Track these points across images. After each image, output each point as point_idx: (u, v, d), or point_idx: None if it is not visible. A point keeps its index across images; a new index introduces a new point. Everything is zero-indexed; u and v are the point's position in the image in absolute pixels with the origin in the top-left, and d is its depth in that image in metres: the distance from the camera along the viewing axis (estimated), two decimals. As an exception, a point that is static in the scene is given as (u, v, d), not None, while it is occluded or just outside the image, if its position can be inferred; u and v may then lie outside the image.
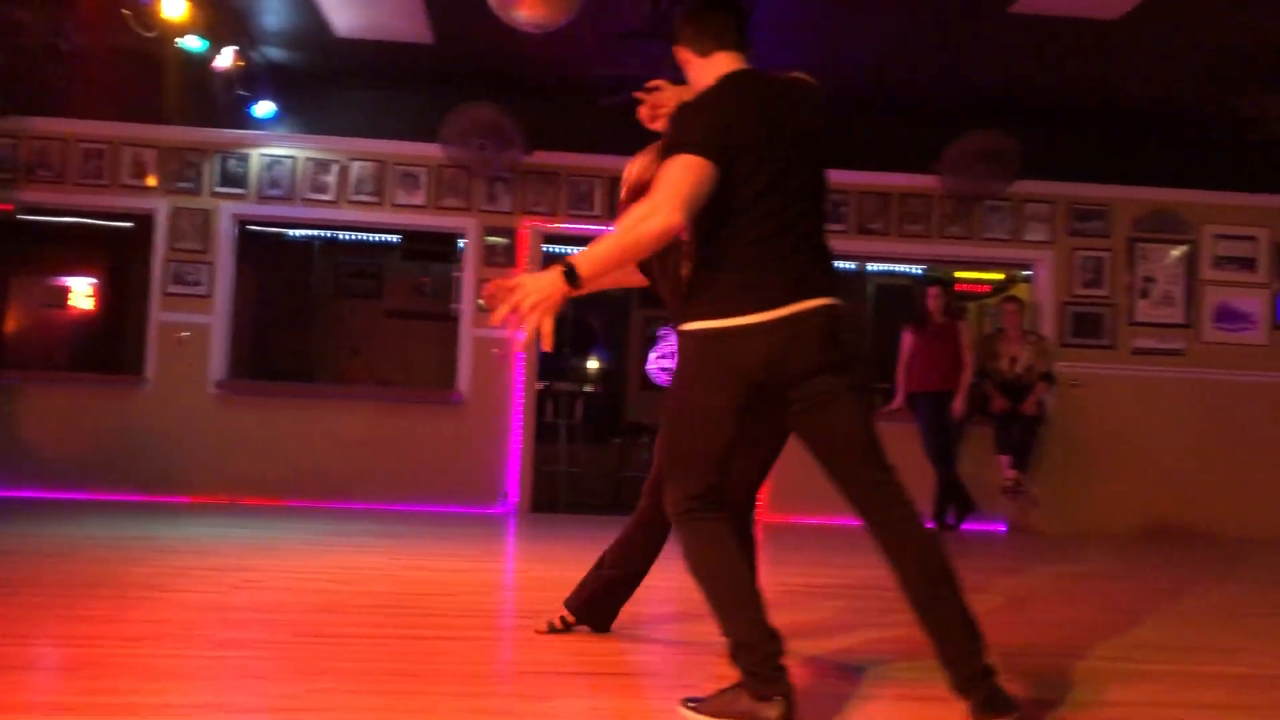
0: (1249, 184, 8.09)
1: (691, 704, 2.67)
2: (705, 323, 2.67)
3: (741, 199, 2.66)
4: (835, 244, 8.27)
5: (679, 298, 3.04)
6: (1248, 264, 8.17)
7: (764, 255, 2.68)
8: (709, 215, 2.66)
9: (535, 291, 2.56)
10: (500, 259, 7.66)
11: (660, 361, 10.06)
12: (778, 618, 3.50)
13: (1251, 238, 8.17)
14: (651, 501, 3.47)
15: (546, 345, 2.63)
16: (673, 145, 2.65)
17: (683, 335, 2.76)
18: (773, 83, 2.84)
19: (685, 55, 2.95)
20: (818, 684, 3.13)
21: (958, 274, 9.79)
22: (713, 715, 2.62)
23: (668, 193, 2.56)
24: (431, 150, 7.53)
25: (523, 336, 2.64)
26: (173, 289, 7.61)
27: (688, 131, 2.66)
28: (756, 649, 2.59)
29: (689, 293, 2.80)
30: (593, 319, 11.69)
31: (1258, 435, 8.01)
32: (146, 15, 6.06)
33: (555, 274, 2.56)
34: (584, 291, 2.62)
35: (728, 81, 2.79)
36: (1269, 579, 6.04)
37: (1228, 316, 8.15)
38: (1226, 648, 3.93)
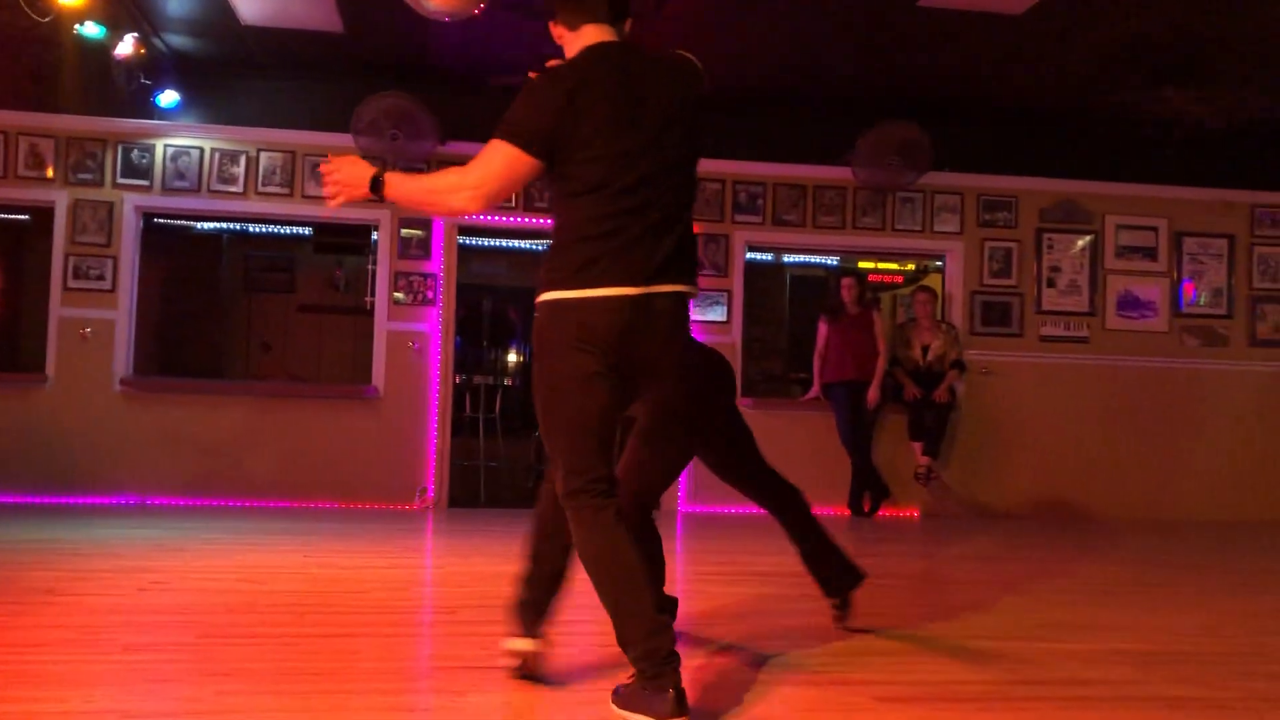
0: (1149, 175, 8.34)
1: (615, 696, 2.67)
2: (553, 293, 2.66)
3: (587, 178, 2.65)
4: (753, 235, 8.36)
5: None
6: (1149, 253, 8.42)
7: (612, 234, 2.64)
8: (558, 191, 2.71)
9: (343, 180, 2.81)
10: (415, 251, 7.56)
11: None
12: (694, 605, 3.52)
13: (1152, 228, 8.42)
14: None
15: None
16: (499, 124, 2.66)
17: (536, 307, 2.72)
18: (636, 58, 2.78)
19: (558, 30, 2.89)
20: (728, 670, 3.15)
21: (864, 264, 9.93)
22: (619, 707, 2.63)
23: (478, 178, 2.66)
24: (343, 140, 7.38)
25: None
26: (74, 284, 7.37)
27: (513, 114, 2.66)
28: (643, 643, 2.57)
29: (543, 265, 2.76)
30: (512, 312, 11.61)
31: (1159, 419, 8.27)
32: (41, 0, 5.85)
33: (366, 175, 2.78)
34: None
35: (583, 57, 2.75)
36: (1171, 557, 6.25)
37: (1130, 305, 8.40)
38: (1131, 625, 4.05)
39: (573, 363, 2.63)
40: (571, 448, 2.68)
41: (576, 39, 2.83)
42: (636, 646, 2.58)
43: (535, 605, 2.97)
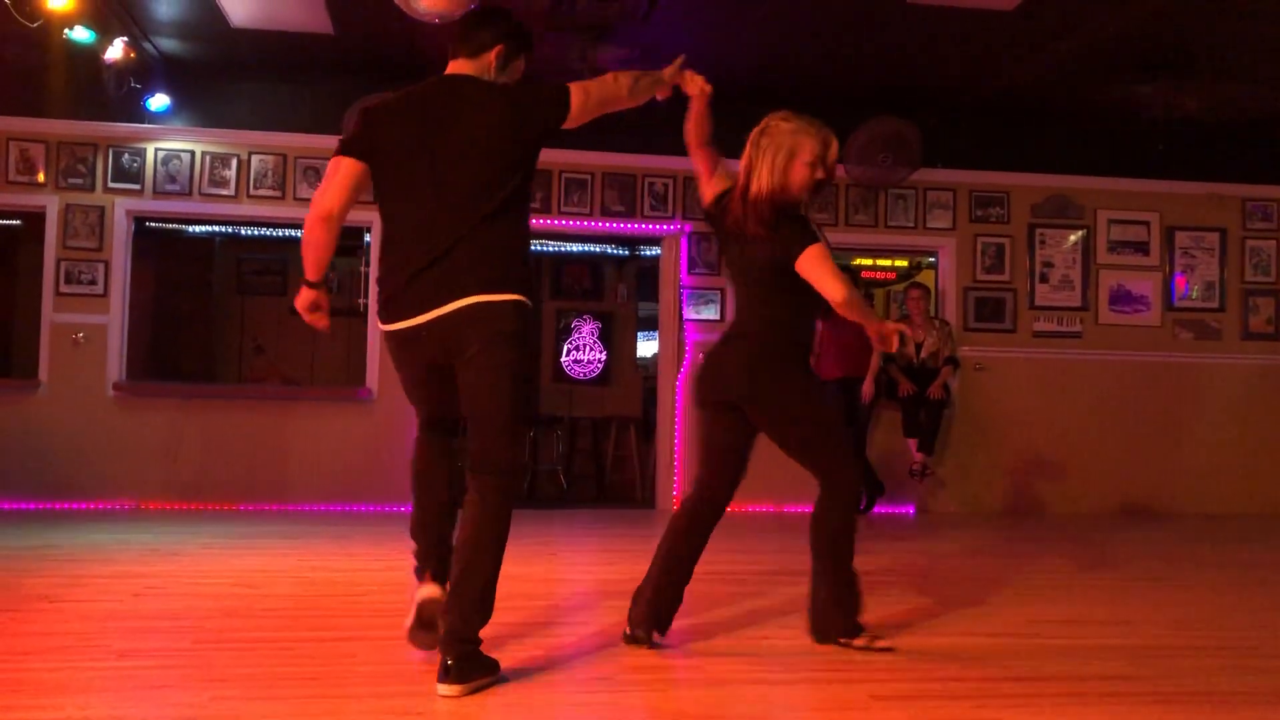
0: (1141, 170, 8.35)
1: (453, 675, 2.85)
2: (525, 297, 3.07)
3: (382, 204, 3.13)
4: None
5: None
6: (1141, 248, 8.44)
7: (390, 264, 3.10)
8: (522, 198, 3.14)
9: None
10: (408, 253, 7.54)
11: (573, 354, 10.04)
12: (689, 604, 3.53)
13: (1144, 222, 8.44)
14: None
15: None
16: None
17: (514, 305, 3.04)
18: (447, 88, 3.10)
19: None
20: (724, 669, 3.15)
21: (858, 261, 9.94)
22: (464, 680, 2.84)
23: (321, 188, 3.08)
24: (334, 143, 7.33)
25: None
26: (66, 289, 7.36)
27: (344, 129, 2.97)
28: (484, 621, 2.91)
29: (506, 266, 3.07)
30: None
31: (1152, 413, 8.29)
32: (30, 4, 5.82)
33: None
34: None
35: (414, 85, 3.13)
36: (1163, 551, 6.26)
37: (1123, 299, 8.42)
38: (1125, 620, 4.06)
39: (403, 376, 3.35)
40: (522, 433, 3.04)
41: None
42: (483, 622, 2.89)
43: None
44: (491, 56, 3.18)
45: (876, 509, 7.77)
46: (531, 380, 3.24)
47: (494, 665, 2.93)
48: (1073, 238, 8.38)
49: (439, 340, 3.03)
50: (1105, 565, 5.58)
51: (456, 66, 3.18)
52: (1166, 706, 2.86)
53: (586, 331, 10.07)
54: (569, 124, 3.18)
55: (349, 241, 8.17)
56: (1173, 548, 6.42)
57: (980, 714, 2.74)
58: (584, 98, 3.18)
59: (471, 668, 2.84)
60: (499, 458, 3.01)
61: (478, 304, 2.95)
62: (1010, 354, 8.23)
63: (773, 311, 3.45)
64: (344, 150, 3.13)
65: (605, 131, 7.52)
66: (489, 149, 3.01)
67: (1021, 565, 5.51)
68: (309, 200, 7.50)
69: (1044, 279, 8.33)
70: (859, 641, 3.38)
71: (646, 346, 10.50)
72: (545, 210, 7.79)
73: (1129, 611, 4.25)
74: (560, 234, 8.40)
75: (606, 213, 7.91)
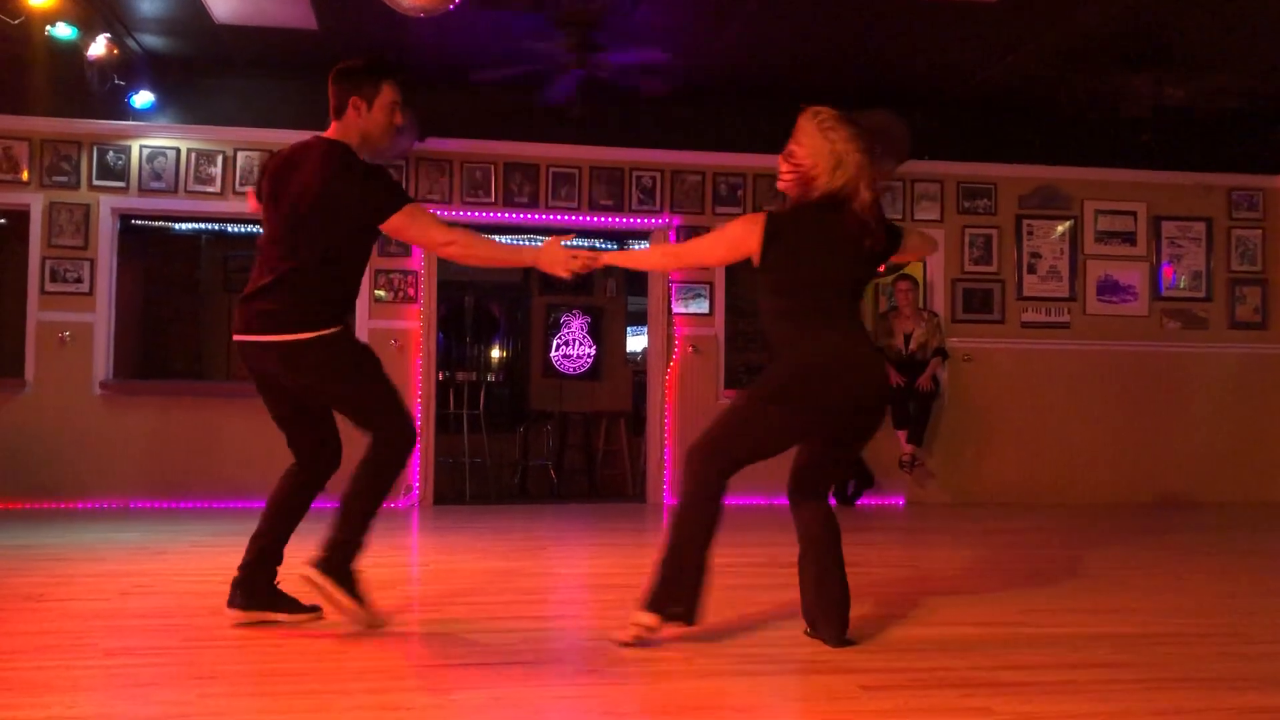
0: (1127, 160, 8.36)
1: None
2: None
3: None
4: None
5: None
6: (1128, 238, 8.46)
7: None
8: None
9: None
10: (395, 249, 7.52)
11: (563, 349, 10.04)
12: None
13: (1131, 212, 8.46)
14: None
15: None
16: None
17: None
18: (305, 146, 3.54)
19: None
20: (713, 660, 3.15)
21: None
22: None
23: None
24: (320, 139, 7.34)
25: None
26: (51, 287, 7.32)
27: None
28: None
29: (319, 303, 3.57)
30: (494, 307, 11.59)
31: (1140, 403, 8.31)
32: (11, 1, 5.79)
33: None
34: None
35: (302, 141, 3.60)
36: (1150, 540, 6.28)
37: (1110, 289, 8.44)
38: (1114, 608, 4.08)
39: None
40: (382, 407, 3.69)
41: None
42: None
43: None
44: (350, 111, 3.55)
45: (865, 500, 7.79)
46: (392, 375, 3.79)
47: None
48: (1060, 228, 8.40)
49: (251, 362, 3.61)
50: (1094, 554, 5.59)
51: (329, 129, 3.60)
52: (1155, 693, 2.87)
53: (576, 326, 10.07)
54: (390, 232, 3.58)
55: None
56: (1162, 536, 6.44)
57: (969, 702, 2.74)
58: (407, 223, 3.53)
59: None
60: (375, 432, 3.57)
61: (277, 343, 3.50)
62: (999, 345, 8.25)
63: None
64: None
65: (592, 125, 7.58)
66: (301, 211, 3.44)
67: (1011, 555, 5.53)
68: (295, 196, 7.55)
69: (1032, 270, 8.35)
70: None
71: (636, 341, 10.51)
72: (533, 205, 7.77)
73: (1118, 600, 4.26)
74: (548, 228, 8.37)
75: (595, 207, 7.90)
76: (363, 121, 3.58)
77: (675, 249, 3.51)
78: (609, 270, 10.02)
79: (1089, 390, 8.27)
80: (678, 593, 3.29)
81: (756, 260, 3.42)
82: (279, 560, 3.60)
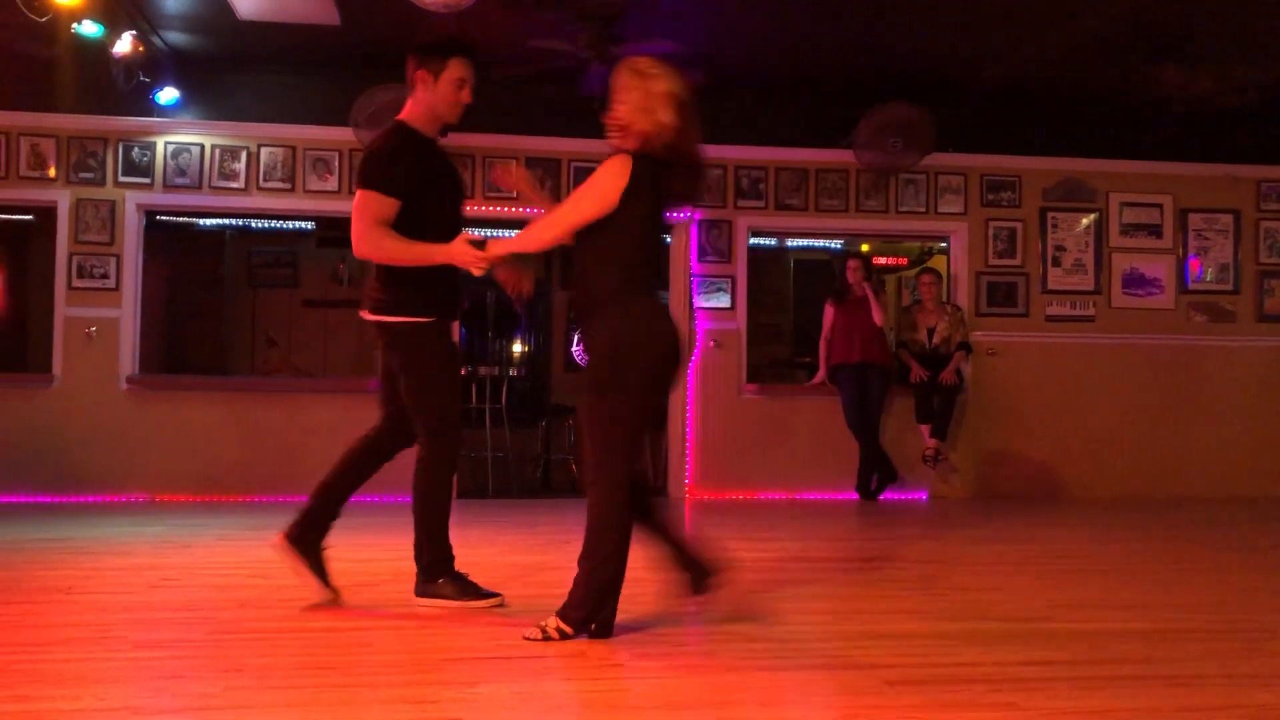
0: (1153, 152, 8.29)
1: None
2: None
3: None
4: (755, 220, 8.34)
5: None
6: (1154, 230, 8.39)
7: None
8: None
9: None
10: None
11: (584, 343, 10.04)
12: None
13: (1157, 205, 8.39)
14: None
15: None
16: None
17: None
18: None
19: None
20: (736, 655, 3.15)
21: (867, 246, 9.91)
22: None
23: None
24: (343, 134, 7.37)
25: None
26: (78, 283, 7.38)
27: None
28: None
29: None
30: (516, 303, 11.59)
31: (1167, 396, 8.25)
32: (39, 0, 5.83)
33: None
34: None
35: None
36: (1178, 534, 6.24)
37: (1136, 282, 8.37)
38: (1139, 603, 4.05)
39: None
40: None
41: None
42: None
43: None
44: (417, 84, 3.70)
45: (889, 495, 7.76)
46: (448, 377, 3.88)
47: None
48: (1085, 221, 8.34)
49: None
50: (1118, 549, 5.56)
51: None
52: (1181, 689, 2.85)
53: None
54: None
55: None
56: (1187, 531, 6.40)
57: (994, 697, 2.73)
58: (354, 206, 3.63)
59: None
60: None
61: (367, 320, 3.78)
62: (1023, 338, 8.20)
63: None
64: None
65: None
66: None
67: (1035, 550, 5.50)
68: (318, 192, 7.64)
69: (1056, 263, 8.29)
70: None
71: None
72: (555, 199, 7.75)
73: (1142, 595, 4.24)
74: (570, 223, 8.39)
75: (616, 201, 7.87)
76: (428, 95, 3.67)
77: (549, 216, 3.35)
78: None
79: (1114, 384, 8.21)
80: (597, 609, 3.26)
81: (613, 207, 3.27)
82: (327, 527, 3.91)
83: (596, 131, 7.87)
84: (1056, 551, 5.44)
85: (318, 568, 3.80)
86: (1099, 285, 8.32)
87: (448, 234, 3.60)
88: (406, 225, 3.60)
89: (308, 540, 3.81)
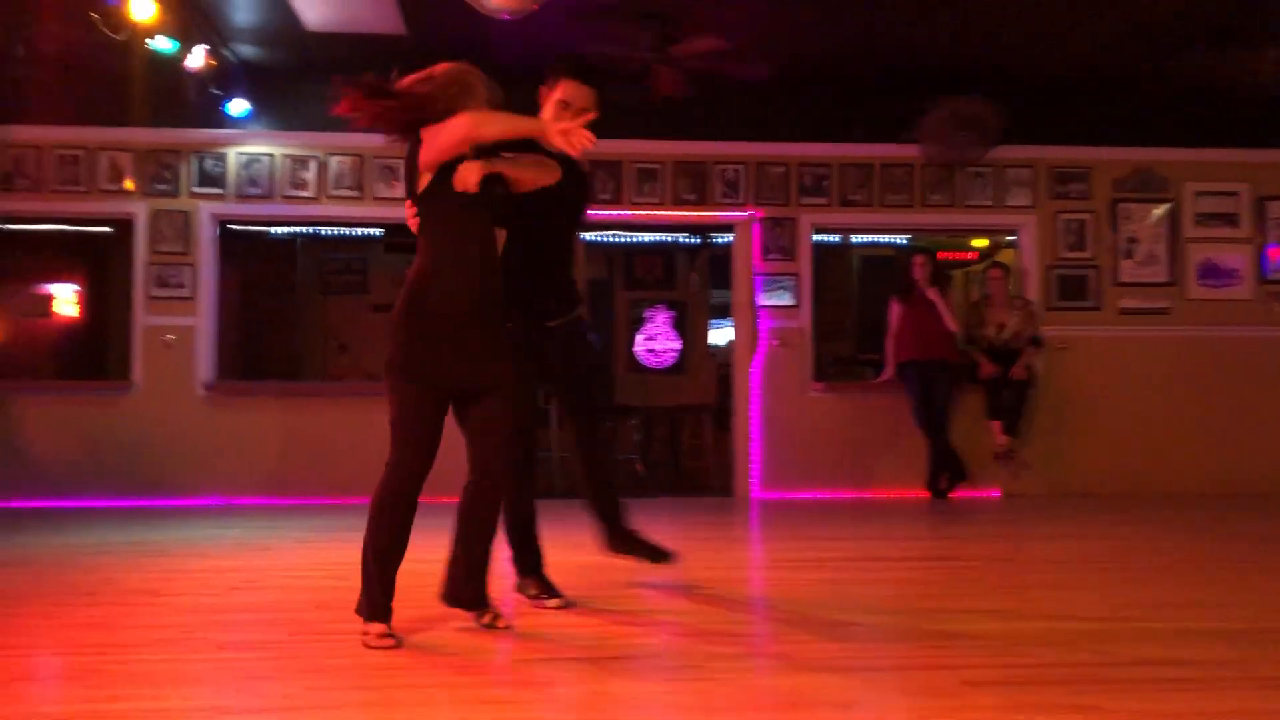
0: (1228, 139, 8.09)
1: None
2: None
3: None
4: (819, 217, 8.30)
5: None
6: (1230, 220, 8.18)
7: None
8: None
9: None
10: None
11: (648, 343, 10.06)
12: (771, 592, 3.52)
13: (1233, 193, 8.18)
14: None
15: None
16: None
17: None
18: None
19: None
20: (808, 656, 3.14)
21: (934, 241, 9.79)
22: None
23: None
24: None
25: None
26: (156, 292, 7.57)
27: None
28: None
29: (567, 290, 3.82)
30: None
31: (1245, 390, 8.04)
32: (115, 17, 5.99)
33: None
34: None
35: None
36: (1258, 533, 6.08)
37: (1212, 273, 8.17)
38: (1221, 603, 3.95)
39: None
40: None
41: None
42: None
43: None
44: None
45: (960, 493, 7.67)
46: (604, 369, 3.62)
47: None
48: (1158, 211, 8.16)
49: None
50: (1197, 546, 5.43)
51: None
52: (1270, 690, 2.78)
53: (660, 320, 10.07)
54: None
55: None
56: (1266, 528, 6.23)
57: (1077, 700, 2.68)
58: (437, 138, 3.44)
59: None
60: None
61: None
62: (1096, 332, 8.05)
63: None
64: None
65: (675, 120, 7.57)
66: None
67: (1112, 548, 5.39)
68: (386, 199, 7.73)
69: (1129, 255, 8.13)
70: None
71: (720, 334, 10.48)
72: (615, 201, 7.80)
73: (1223, 594, 4.14)
74: (631, 224, 8.42)
75: (678, 201, 7.90)
76: (542, 112, 3.75)
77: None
78: (692, 265, 10.01)
79: (1190, 378, 8.03)
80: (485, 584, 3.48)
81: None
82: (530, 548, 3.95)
83: (656, 132, 7.93)
84: (1133, 549, 5.33)
85: (644, 550, 3.96)
86: (1173, 276, 8.14)
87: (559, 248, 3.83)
88: (519, 235, 3.60)
89: (621, 536, 4.00)
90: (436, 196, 3.38)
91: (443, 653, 3.21)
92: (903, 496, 7.70)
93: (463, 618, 3.59)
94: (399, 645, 3.24)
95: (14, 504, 7.28)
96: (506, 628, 3.43)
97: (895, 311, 7.89)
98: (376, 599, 3.32)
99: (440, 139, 3.31)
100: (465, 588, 3.47)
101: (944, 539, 5.87)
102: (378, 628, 3.29)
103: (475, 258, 3.38)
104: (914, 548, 5.53)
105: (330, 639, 3.37)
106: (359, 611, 3.35)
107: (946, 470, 7.61)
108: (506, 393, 3.40)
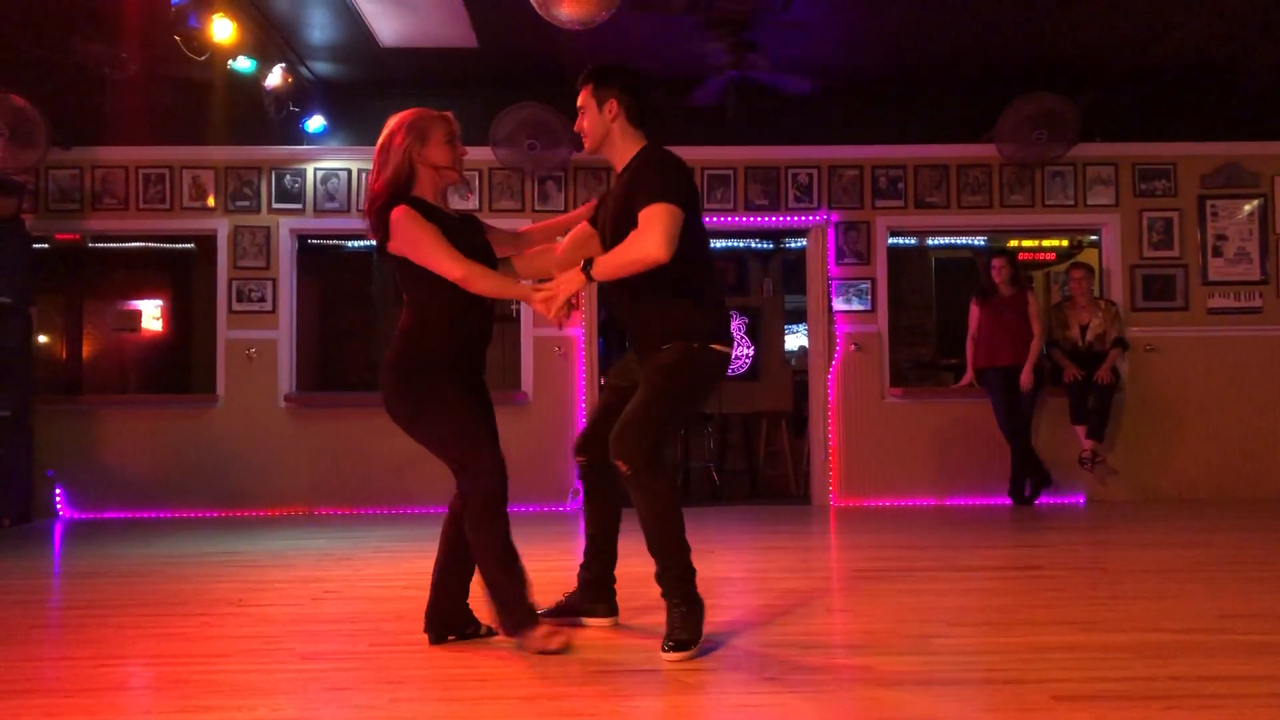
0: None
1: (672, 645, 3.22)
2: (720, 347, 3.46)
3: (700, 247, 3.50)
4: (894, 220, 8.20)
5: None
6: (1325, 213, 7.89)
7: (720, 298, 3.73)
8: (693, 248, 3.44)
9: (565, 293, 3.32)
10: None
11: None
12: (854, 603, 3.47)
13: (1326, 186, 7.89)
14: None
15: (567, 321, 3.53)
16: (660, 193, 3.29)
17: (699, 350, 3.41)
18: None
19: (608, 112, 3.51)
20: (896, 671, 3.08)
21: (1013, 243, 9.60)
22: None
23: (662, 240, 3.24)
24: (483, 153, 7.54)
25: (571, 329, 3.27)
26: (238, 306, 7.74)
27: (668, 184, 3.31)
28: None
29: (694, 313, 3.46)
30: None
31: (1344, 390, 7.74)
32: (197, 39, 6.15)
33: (578, 276, 3.32)
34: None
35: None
36: (1365, 539, 5.85)
37: (1307, 269, 7.89)
38: (1325, 614, 3.80)
39: (705, 394, 3.62)
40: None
41: (626, 131, 3.52)
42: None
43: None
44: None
45: (1043, 499, 7.50)
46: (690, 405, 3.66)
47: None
48: (1248, 208, 7.90)
49: None
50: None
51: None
52: (1382, 708, 2.66)
53: (734, 327, 10.02)
54: None
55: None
56: (1375, 534, 5.99)
57: (1173, 715, 2.59)
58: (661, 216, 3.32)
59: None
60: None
61: None
62: (1183, 333, 7.82)
63: None
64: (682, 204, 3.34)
65: (746, 125, 7.54)
66: None
67: (1204, 556, 5.22)
68: (461, 211, 7.74)
69: (1218, 253, 7.88)
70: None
71: (794, 340, 10.40)
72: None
73: (1330, 604, 3.97)
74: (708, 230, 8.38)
75: (750, 207, 7.86)
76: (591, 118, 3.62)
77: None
78: (765, 270, 9.94)
79: (1286, 379, 7.75)
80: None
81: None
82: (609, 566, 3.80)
83: (727, 137, 7.88)
84: (1227, 557, 5.16)
85: None
86: (1265, 274, 7.87)
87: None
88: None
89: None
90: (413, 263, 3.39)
91: (523, 663, 3.22)
92: (985, 504, 7.55)
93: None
94: (569, 643, 3.29)
95: (104, 515, 7.49)
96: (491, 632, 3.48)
97: (974, 315, 7.74)
98: (518, 604, 3.31)
99: (420, 255, 3.34)
100: (455, 614, 3.51)
101: (1028, 547, 5.74)
102: (541, 630, 3.29)
103: (466, 310, 3.41)
104: (997, 557, 5.41)
105: (412, 649, 3.40)
106: (506, 630, 3.33)
107: (1029, 476, 7.44)
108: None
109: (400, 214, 3.34)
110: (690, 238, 3.35)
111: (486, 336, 3.53)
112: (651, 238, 3.23)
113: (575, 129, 3.66)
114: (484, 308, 3.47)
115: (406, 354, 3.42)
